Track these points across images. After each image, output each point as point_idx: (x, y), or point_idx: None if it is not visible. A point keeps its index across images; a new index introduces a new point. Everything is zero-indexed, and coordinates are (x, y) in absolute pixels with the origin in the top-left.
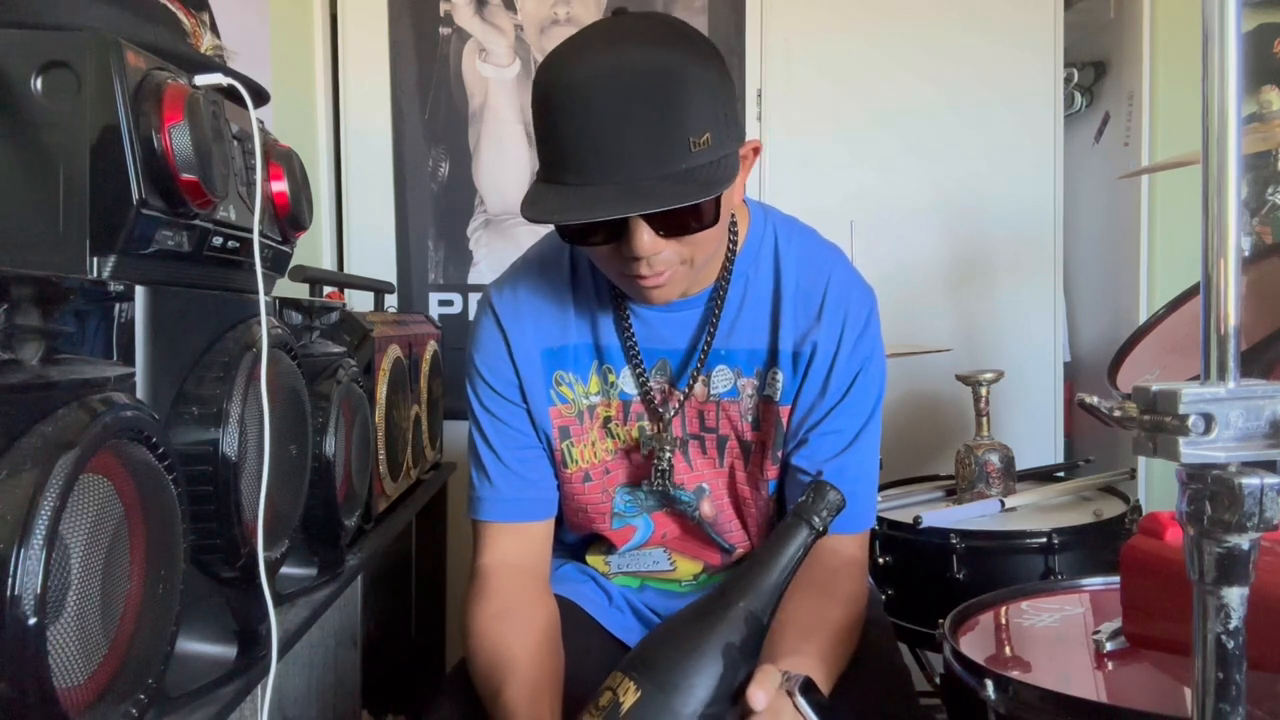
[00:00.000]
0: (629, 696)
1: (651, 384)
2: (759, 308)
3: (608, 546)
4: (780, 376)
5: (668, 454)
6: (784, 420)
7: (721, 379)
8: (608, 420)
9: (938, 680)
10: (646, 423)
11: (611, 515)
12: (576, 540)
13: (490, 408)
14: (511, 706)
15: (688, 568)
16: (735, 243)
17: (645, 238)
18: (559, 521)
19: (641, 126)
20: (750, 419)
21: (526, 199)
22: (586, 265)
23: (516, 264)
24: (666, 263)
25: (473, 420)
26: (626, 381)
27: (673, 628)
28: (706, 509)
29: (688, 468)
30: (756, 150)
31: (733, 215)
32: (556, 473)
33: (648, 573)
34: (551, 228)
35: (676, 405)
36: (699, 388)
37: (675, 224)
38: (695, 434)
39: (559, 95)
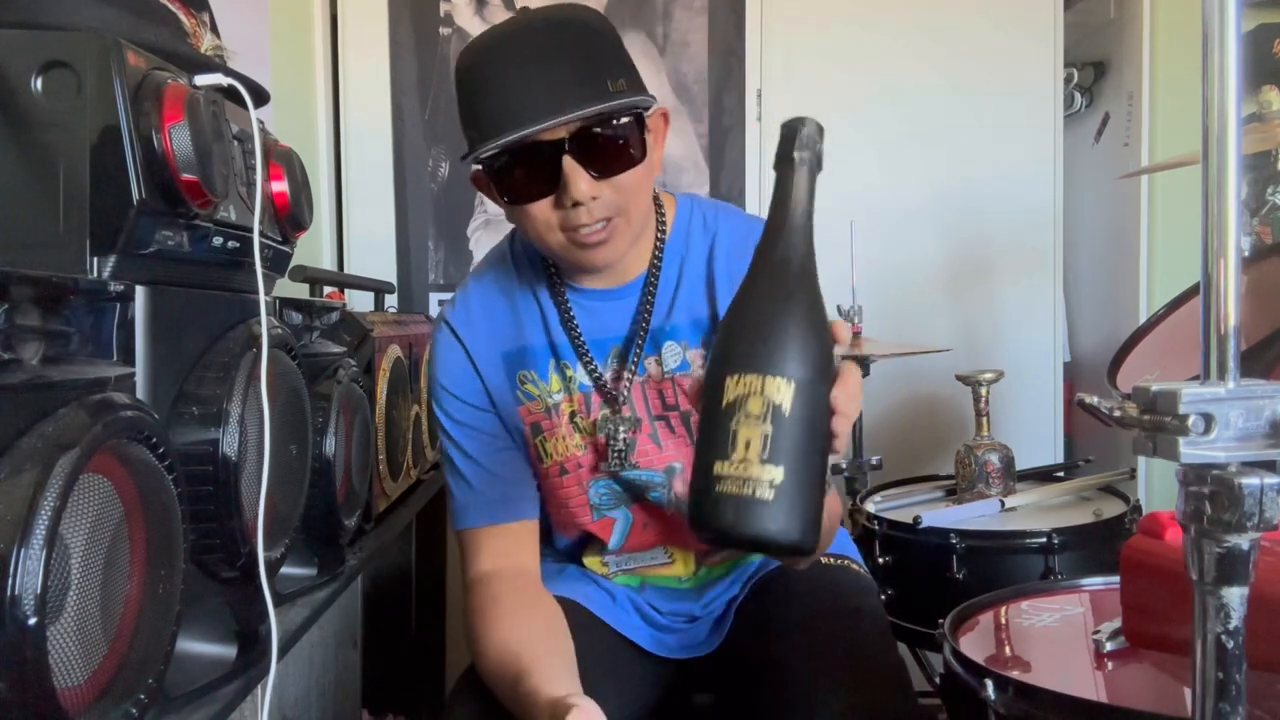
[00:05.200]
0: (783, 393)
1: (603, 371)
2: (696, 280)
3: (600, 546)
4: None
5: (622, 433)
6: None
7: (671, 355)
8: (573, 415)
9: (938, 680)
10: (608, 410)
11: (590, 508)
12: (571, 544)
13: (461, 419)
14: (533, 693)
15: (684, 558)
16: (665, 226)
17: (582, 183)
18: (555, 526)
19: (563, 69)
20: None
21: (465, 154)
22: (529, 268)
23: (465, 281)
24: (603, 209)
25: (445, 438)
26: (583, 374)
27: (753, 315)
28: (679, 487)
29: (657, 449)
30: (666, 117)
31: (660, 201)
32: (535, 470)
33: (646, 569)
34: (496, 240)
35: (625, 387)
36: (653, 367)
37: (606, 159)
38: (659, 414)
39: (481, 62)
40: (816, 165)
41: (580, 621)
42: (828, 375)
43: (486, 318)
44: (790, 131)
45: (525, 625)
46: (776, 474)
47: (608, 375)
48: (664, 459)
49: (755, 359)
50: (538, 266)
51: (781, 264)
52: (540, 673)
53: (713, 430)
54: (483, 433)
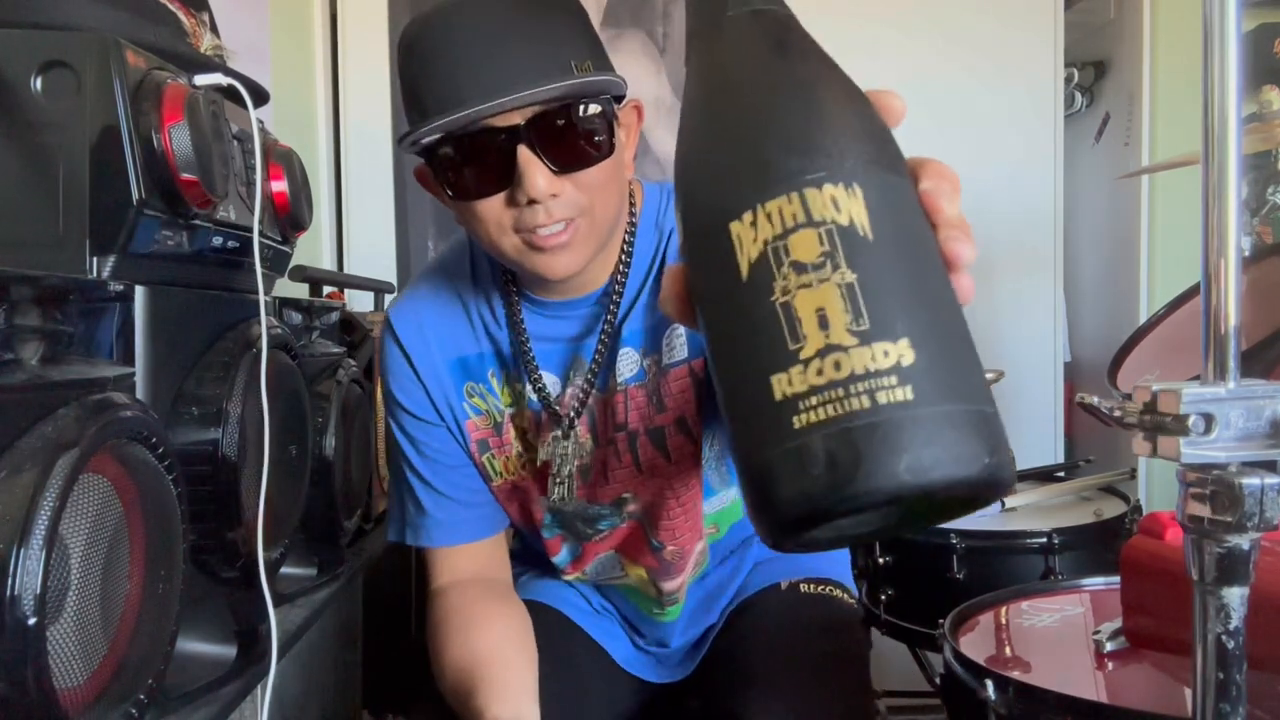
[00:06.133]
0: (848, 204)
1: (557, 389)
2: (657, 279)
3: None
4: (681, 329)
5: (567, 468)
6: (699, 371)
7: (627, 364)
8: (524, 433)
9: (938, 680)
10: (559, 430)
11: (542, 525)
12: (542, 548)
13: (411, 432)
14: (479, 713)
15: (636, 572)
16: (635, 220)
17: (539, 179)
18: (519, 529)
19: (522, 46)
20: (655, 400)
21: (403, 136)
22: (487, 267)
23: (418, 276)
24: (564, 209)
25: (395, 446)
26: (532, 392)
27: (737, 108)
28: (634, 509)
29: (603, 481)
30: (639, 110)
31: (631, 195)
32: (487, 486)
33: (608, 580)
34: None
35: (577, 404)
36: (612, 381)
37: (568, 153)
38: (610, 438)
39: (425, 37)
40: None
41: (560, 628)
42: (902, 165)
43: (435, 323)
44: None
45: (481, 639)
46: (900, 349)
47: (564, 393)
48: (611, 492)
49: (774, 170)
50: (495, 267)
51: (745, 16)
52: (489, 691)
53: (740, 334)
54: (431, 448)
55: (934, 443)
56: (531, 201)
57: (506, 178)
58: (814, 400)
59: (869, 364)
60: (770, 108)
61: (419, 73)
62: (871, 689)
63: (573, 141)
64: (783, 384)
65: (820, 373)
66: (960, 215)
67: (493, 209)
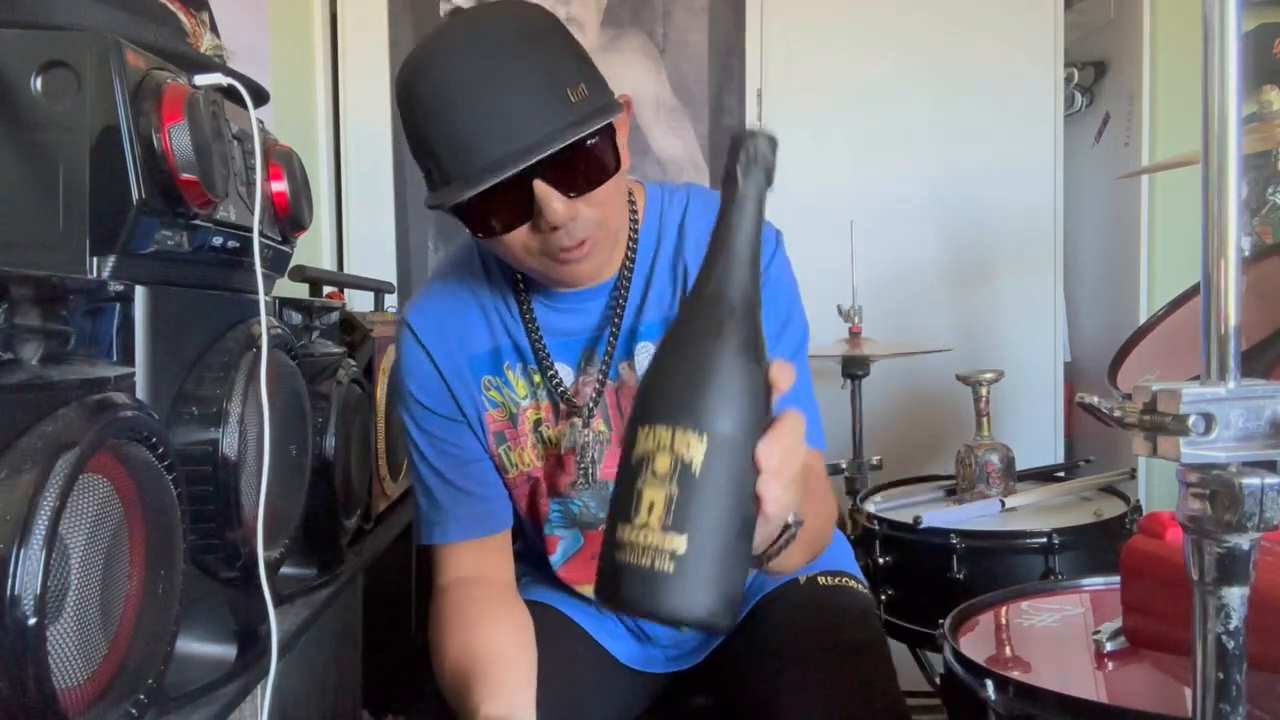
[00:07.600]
0: (694, 449)
1: (571, 378)
2: (666, 274)
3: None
4: None
5: (591, 451)
6: None
7: (644, 357)
8: (538, 423)
9: (938, 680)
10: (579, 419)
11: (545, 521)
12: (542, 550)
13: (429, 428)
14: (474, 712)
15: None
16: (637, 220)
17: (558, 205)
18: (523, 526)
19: (519, 89)
20: None
21: (428, 198)
22: (496, 267)
23: (430, 278)
24: (584, 229)
25: (411, 445)
26: (548, 381)
27: (677, 360)
28: None
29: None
30: (629, 105)
31: (631, 193)
32: (501, 479)
33: None
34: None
35: (593, 394)
36: (626, 372)
37: (580, 178)
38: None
39: (428, 83)
40: (766, 183)
41: (561, 628)
42: (754, 430)
43: (453, 320)
44: (736, 145)
45: (479, 637)
46: (679, 543)
47: (578, 381)
48: None
49: (667, 408)
50: (505, 266)
51: (712, 299)
52: (484, 688)
53: (621, 487)
54: (449, 444)
55: (675, 597)
56: (553, 228)
57: (527, 210)
58: (629, 549)
59: (658, 543)
60: (682, 370)
61: (426, 125)
62: (896, 674)
63: (584, 167)
64: (621, 529)
65: (637, 535)
66: (779, 465)
67: (518, 237)
